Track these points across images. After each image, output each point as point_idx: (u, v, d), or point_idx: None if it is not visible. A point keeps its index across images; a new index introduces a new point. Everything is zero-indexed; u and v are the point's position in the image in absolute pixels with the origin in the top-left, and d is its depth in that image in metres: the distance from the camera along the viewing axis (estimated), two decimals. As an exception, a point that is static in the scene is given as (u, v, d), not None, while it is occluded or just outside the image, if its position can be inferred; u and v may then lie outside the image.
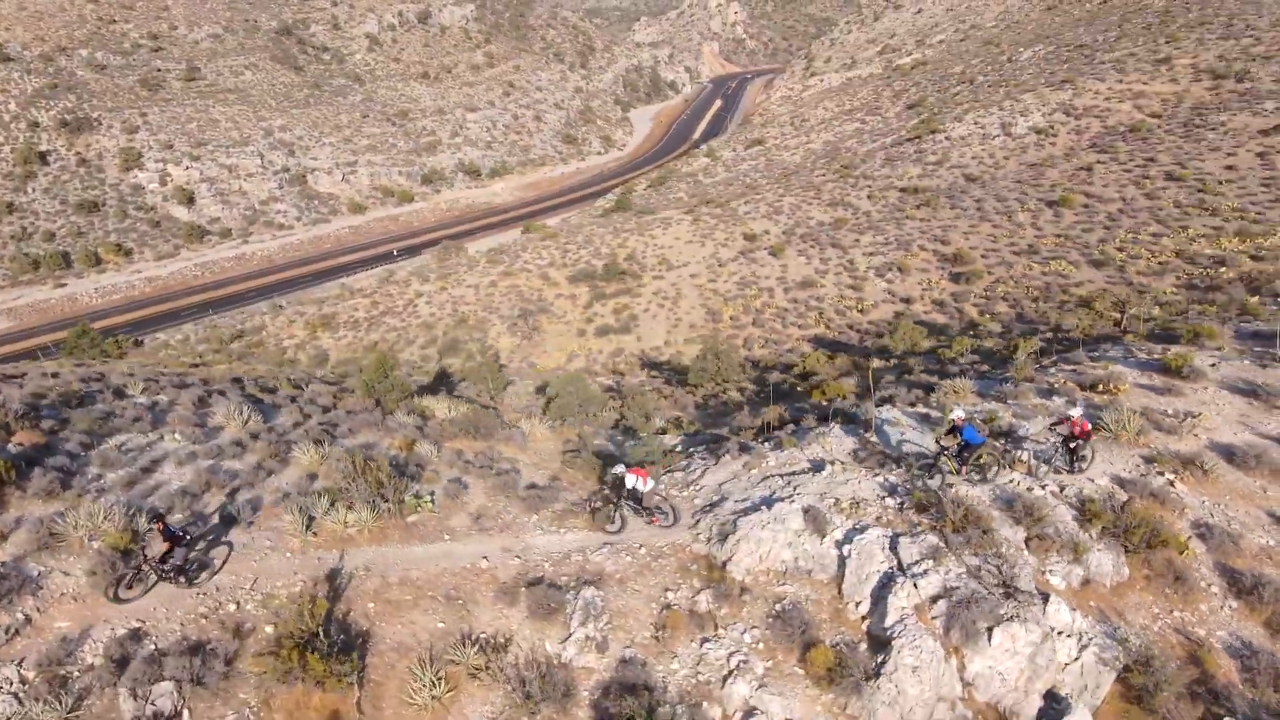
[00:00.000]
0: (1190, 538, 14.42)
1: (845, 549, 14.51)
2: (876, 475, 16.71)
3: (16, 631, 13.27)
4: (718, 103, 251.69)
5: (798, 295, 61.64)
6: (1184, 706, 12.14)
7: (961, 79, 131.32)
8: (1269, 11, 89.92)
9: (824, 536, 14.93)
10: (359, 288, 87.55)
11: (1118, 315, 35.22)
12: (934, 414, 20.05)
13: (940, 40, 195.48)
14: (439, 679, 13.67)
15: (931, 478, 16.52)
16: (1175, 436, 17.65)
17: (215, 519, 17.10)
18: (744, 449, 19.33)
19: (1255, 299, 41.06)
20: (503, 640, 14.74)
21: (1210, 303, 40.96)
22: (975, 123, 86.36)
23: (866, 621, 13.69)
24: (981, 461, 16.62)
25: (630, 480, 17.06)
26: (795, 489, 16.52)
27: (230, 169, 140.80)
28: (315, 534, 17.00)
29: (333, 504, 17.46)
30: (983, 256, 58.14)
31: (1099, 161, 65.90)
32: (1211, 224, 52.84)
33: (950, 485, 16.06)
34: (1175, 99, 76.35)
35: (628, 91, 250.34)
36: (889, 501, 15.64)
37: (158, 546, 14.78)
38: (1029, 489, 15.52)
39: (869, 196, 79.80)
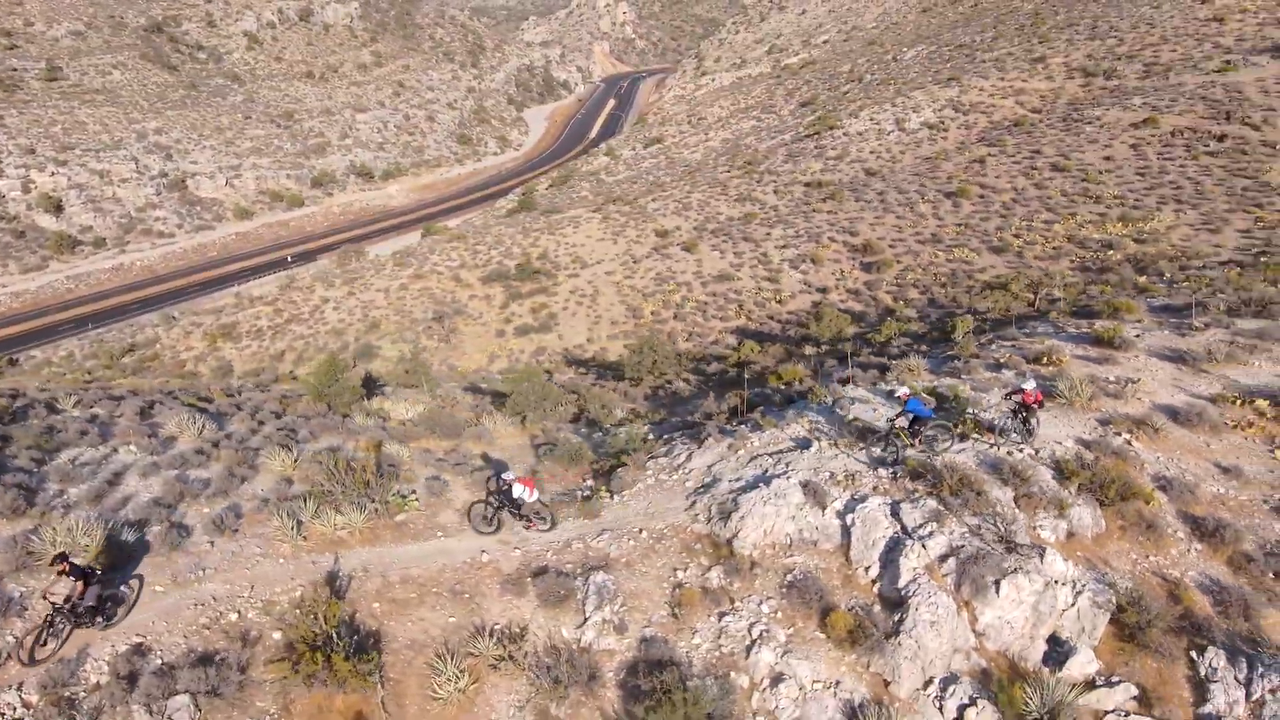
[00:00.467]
0: (1154, 489, 15.70)
1: (848, 518, 15.14)
2: (862, 448, 17.46)
3: (9, 656, 12.42)
4: (611, 102, 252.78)
5: (716, 289, 62.75)
6: (1170, 639, 13.26)
7: (850, 78, 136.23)
8: (1128, 14, 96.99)
9: (825, 508, 15.52)
10: (258, 295, 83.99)
11: (1031, 296, 37.47)
12: (898, 390, 21.02)
13: (825, 41, 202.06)
14: (461, 672, 13.56)
15: (885, 450, 17.28)
16: (1122, 400, 19.11)
17: (120, 549, 15.15)
18: (723, 432, 19.79)
19: (1144, 278, 44.50)
20: (518, 630, 14.71)
21: (1105, 283, 44.10)
22: (871, 119, 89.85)
23: (877, 585, 14.35)
24: (931, 434, 17.52)
25: (518, 490, 17.12)
26: (788, 466, 17.09)
27: (101, 174, 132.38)
28: (305, 538, 16.50)
29: (319, 507, 16.96)
30: (890, 246, 60.64)
31: (990, 154, 69.73)
32: (1096, 210, 56.78)
33: (901, 458, 16.85)
34: (1053, 95, 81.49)
35: (521, 91, 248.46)
36: (881, 472, 16.40)
37: (64, 589, 12.81)
38: (1009, 453, 16.57)
39: (775, 192, 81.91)
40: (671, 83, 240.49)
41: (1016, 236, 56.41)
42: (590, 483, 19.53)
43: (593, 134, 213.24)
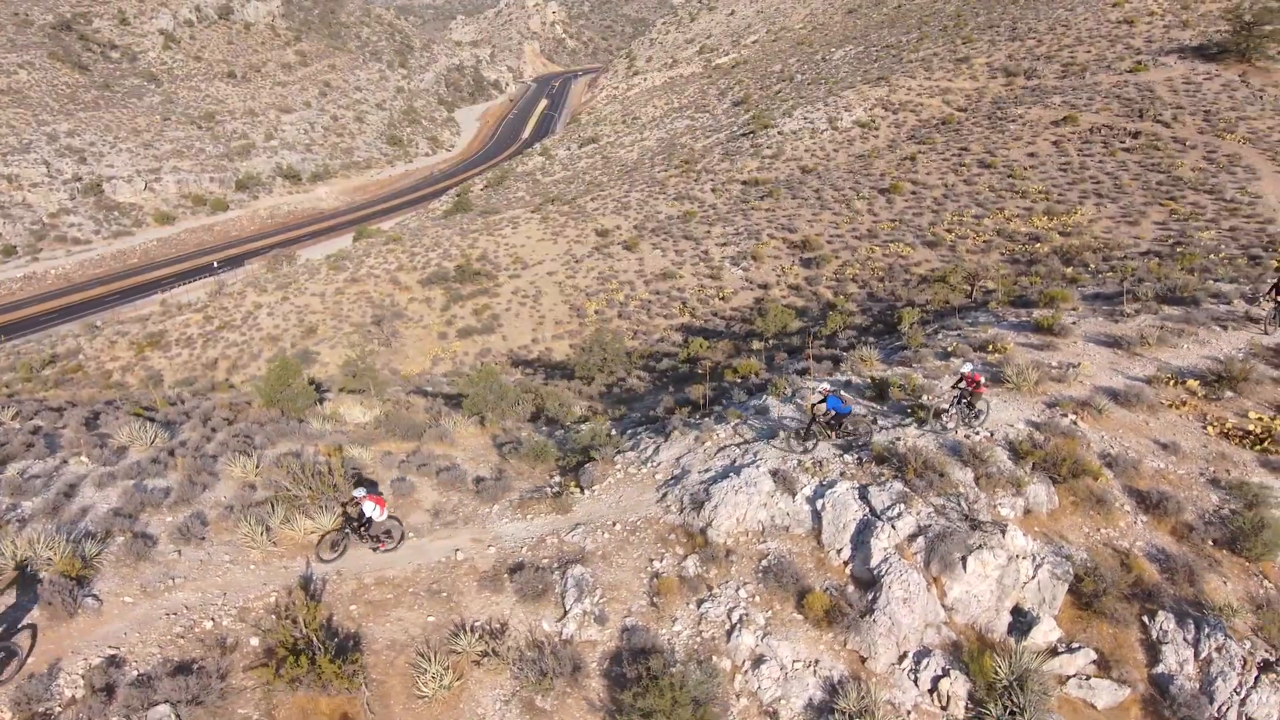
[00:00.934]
0: (1101, 466, 16.57)
1: (818, 503, 15.61)
2: (829, 437, 17.98)
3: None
4: (543, 102, 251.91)
5: (659, 287, 63.24)
6: (1124, 606, 14.05)
7: (782, 77, 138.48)
8: (1045, 16, 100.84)
9: (795, 494, 15.96)
10: (187, 302, 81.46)
11: (968, 288, 38.80)
12: (855, 380, 21.69)
13: (754, 41, 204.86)
14: (445, 669, 13.59)
15: (805, 441, 17.81)
16: (1065, 384, 20.06)
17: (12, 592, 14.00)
18: (689, 425, 20.12)
19: (1070, 269, 46.47)
20: (498, 626, 14.79)
21: (1034, 275, 45.93)
22: (804, 118, 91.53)
23: (849, 566, 14.84)
24: (852, 429, 18.10)
25: (369, 508, 16.23)
26: (756, 455, 17.50)
27: (9, 179, 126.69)
28: (275, 543, 16.26)
29: (288, 512, 16.73)
30: (828, 242, 61.97)
31: (920, 152, 71.77)
32: (1023, 205, 59.01)
33: (810, 449, 17.57)
34: (977, 94, 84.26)
35: (451, 91, 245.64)
36: (848, 458, 16.93)
37: None
38: (966, 436, 17.28)
39: (713, 190, 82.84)
40: (604, 82, 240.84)
41: (949, 231, 58.26)
42: (558, 479, 19.63)
43: (526, 134, 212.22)
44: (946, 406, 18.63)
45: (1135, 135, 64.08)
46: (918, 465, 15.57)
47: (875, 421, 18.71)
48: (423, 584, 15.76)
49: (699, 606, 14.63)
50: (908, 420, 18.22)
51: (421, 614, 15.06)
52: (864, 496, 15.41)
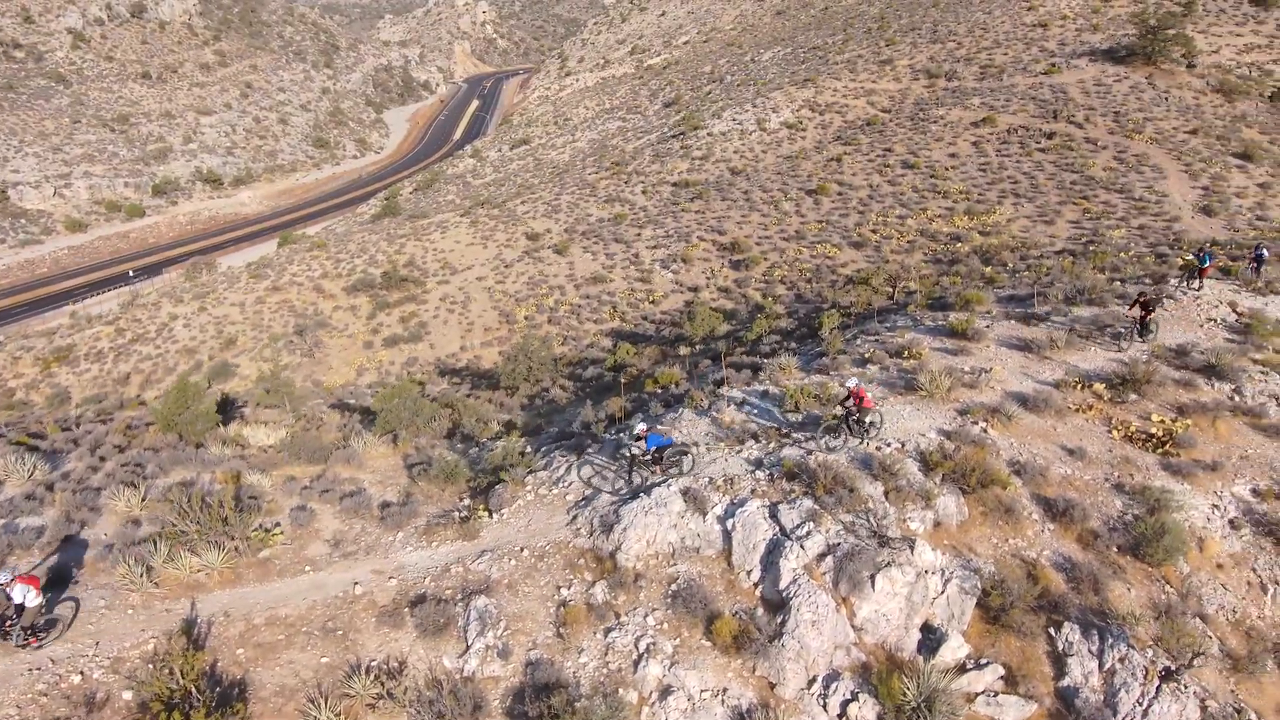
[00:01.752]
0: (1010, 475, 16.59)
1: (729, 523, 15.26)
2: (739, 452, 17.66)
3: None
4: (475, 103, 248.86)
5: (589, 291, 62.67)
6: (1031, 618, 14.02)
7: (712, 78, 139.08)
8: (964, 19, 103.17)
9: (705, 514, 15.59)
10: (97, 314, 77.93)
11: (890, 289, 39.15)
12: (772, 390, 21.45)
13: (685, 41, 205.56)
14: (336, 715, 12.83)
15: (630, 473, 17.62)
16: (977, 390, 20.14)
17: None
18: (602, 442, 19.60)
19: (989, 268, 47.35)
20: (396, 665, 14.07)
21: (955, 275, 46.67)
22: (733, 119, 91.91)
23: (759, 588, 14.52)
24: (674, 458, 17.67)
25: (18, 593, 13.10)
26: (668, 474, 17.07)
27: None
28: (157, 584, 15.24)
29: (171, 549, 15.71)
30: (757, 244, 62.20)
31: (846, 153, 72.60)
32: (944, 205, 60.09)
33: (643, 481, 17.28)
34: (900, 96, 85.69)
35: (379, 92, 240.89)
36: (759, 474, 16.61)
37: None
38: (878, 448, 17.13)
39: (644, 192, 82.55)
40: (536, 83, 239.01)
41: (874, 232, 58.98)
42: (467, 502, 18.93)
43: (457, 135, 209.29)
44: (834, 424, 18.16)
45: (1050, 136, 65.83)
46: (827, 481, 15.34)
47: (691, 451, 18.25)
48: (317, 622, 14.92)
49: (606, 636, 14.13)
50: (820, 433, 18.01)
51: (315, 655, 14.24)
52: (774, 515, 15.11)
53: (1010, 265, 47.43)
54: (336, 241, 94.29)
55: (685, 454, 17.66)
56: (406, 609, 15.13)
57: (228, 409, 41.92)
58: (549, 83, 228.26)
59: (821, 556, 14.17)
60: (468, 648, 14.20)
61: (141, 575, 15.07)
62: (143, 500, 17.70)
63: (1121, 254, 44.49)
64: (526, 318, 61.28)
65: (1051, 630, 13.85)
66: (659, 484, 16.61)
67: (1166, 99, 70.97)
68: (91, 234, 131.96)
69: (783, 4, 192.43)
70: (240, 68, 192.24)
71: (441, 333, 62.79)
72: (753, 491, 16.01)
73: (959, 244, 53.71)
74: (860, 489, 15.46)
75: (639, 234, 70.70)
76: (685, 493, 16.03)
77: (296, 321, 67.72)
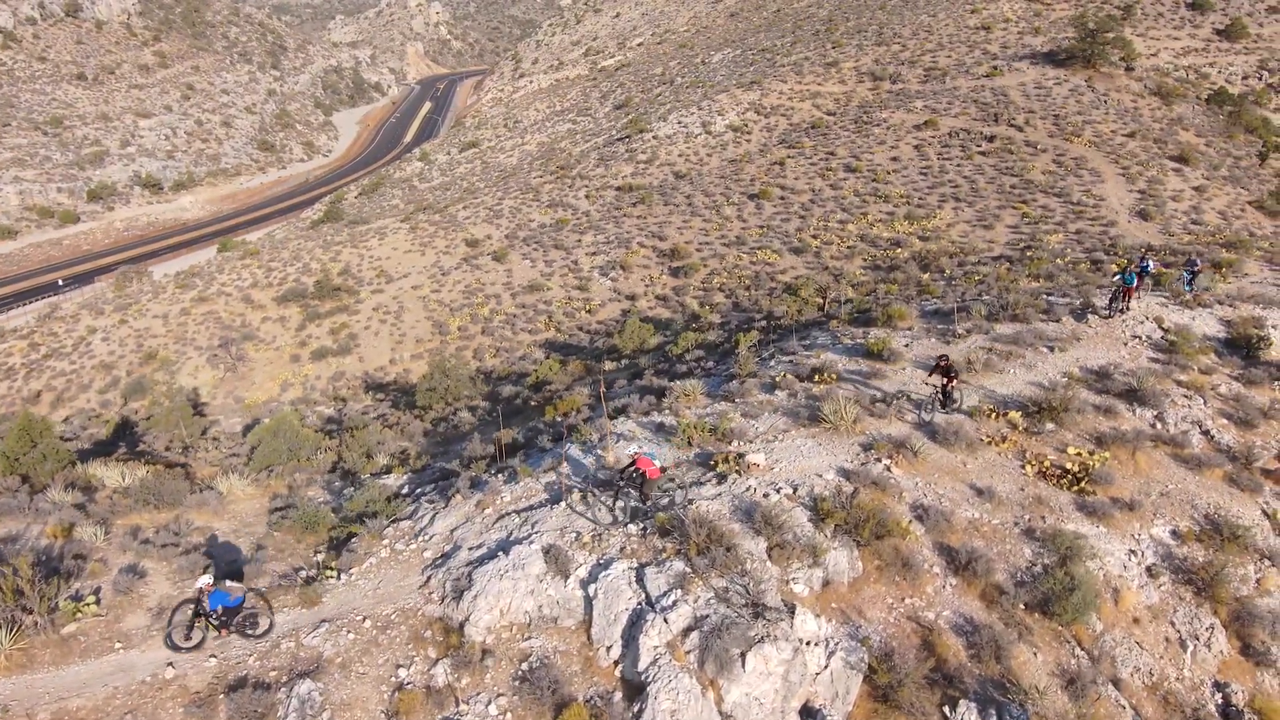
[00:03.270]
0: (910, 521, 15.04)
1: (591, 589, 13.48)
2: (618, 500, 15.87)
3: None
4: (427, 105, 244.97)
5: (525, 300, 60.72)
6: (923, 694, 12.44)
7: (662, 80, 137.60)
8: (909, 21, 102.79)
9: (568, 577, 13.79)
10: (11, 328, 74.10)
11: (820, 300, 37.77)
12: (669, 421, 19.70)
13: (639, 43, 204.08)
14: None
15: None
16: (885, 420, 18.61)
17: None
18: (475, 485, 17.69)
19: (927, 275, 46.24)
20: (198, 768, 12.10)
21: (893, 281, 45.46)
22: (679, 122, 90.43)
23: (619, 667, 12.74)
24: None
25: None
26: (534, 526, 15.22)
27: None
28: (-77, 675, 13.07)
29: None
30: (697, 250, 60.69)
31: (789, 156, 71.43)
32: (885, 209, 59.08)
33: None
34: (845, 98, 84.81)
35: (329, 94, 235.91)
36: (631, 529, 14.82)
37: None
38: (765, 495, 15.43)
39: (587, 196, 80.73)
40: (490, 85, 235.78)
41: (814, 237, 57.76)
42: (320, 557, 16.96)
43: (408, 138, 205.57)
44: (612, 493, 16.03)
45: (991, 139, 65.20)
46: (701, 540, 13.58)
47: (681, 483, 16.39)
48: (115, 714, 12.87)
49: (443, 727, 12.28)
50: (708, 475, 16.30)
51: (103, 758, 12.20)
52: (640, 579, 13.36)
53: (948, 272, 46.38)
54: (271, 248, 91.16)
55: (676, 485, 15.84)
56: (221, 695, 13.14)
57: (126, 433, 39.36)
58: (503, 84, 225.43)
59: (687, 631, 12.44)
60: (283, 744, 12.27)
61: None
62: (-66, 567, 15.46)
63: (1058, 260, 43.64)
64: (460, 328, 59.14)
65: (946, 709, 12.27)
66: (520, 540, 14.78)
67: (1105, 102, 70.82)
68: (22, 241, 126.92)
69: (737, 6, 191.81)
70: (182, 69, 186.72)
71: (372, 345, 60.40)
72: (621, 550, 14.22)
73: (899, 249, 52.65)
74: (739, 546, 13.73)
75: (579, 240, 68.87)
76: (547, 551, 14.21)
77: (221, 334, 64.83)
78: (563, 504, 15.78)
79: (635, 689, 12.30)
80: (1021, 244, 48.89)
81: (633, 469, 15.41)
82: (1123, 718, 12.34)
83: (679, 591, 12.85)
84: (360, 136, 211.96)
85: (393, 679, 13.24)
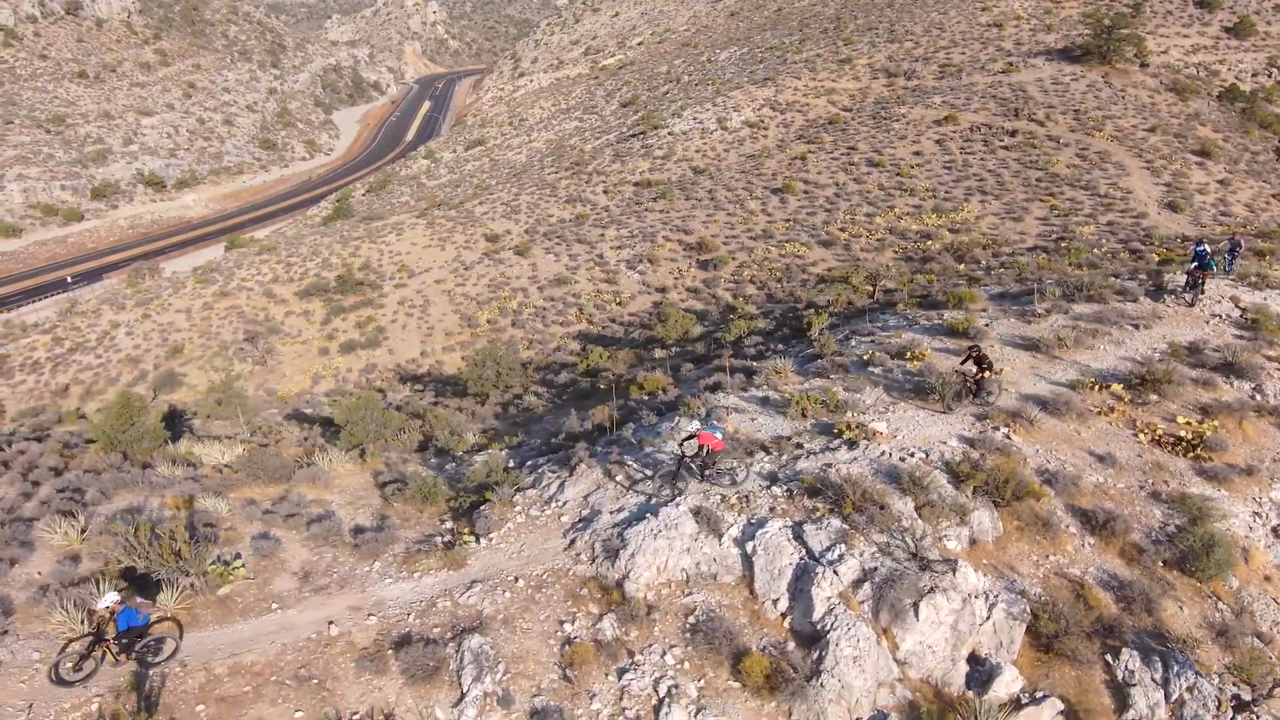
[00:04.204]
0: (1041, 485, 15.45)
1: (748, 546, 13.83)
2: (750, 465, 16.23)
3: None
4: (427, 104, 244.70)
5: (553, 293, 60.93)
6: (1085, 644, 12.84)
7: (668, 78, 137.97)
8: (920, 19, 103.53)
9: (721, 536, 14.14)
10: (33, 323, 73.91)
11: (869, 288, 38.19)
12: (772, 395, 20.08)
13: (639, 42, 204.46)
14: (316, 783, 11.14)
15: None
16: (990, 393, 19.01)
17: None
18: (595, 456, 18.01)
19: (963, 266, 46.78)
20: (382, 718, 12.38)
21: (929, 272, 45.97)
22: (694, 118, 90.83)
23: (788, 619, 13.10)
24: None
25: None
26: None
27: None
28: (101, 633, 13.29)
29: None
30: (724, 243, 61.05)
31: (810, 152, 71.88)
32: (911, 203, 59.58)
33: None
34: (860, 95, 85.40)
35: (328, 93, 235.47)
36: (776, 490, 15.19)
37: None
38: (902, 458, 15.82)
39: (605, 192, 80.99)
40: (489, 84, 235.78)
41: (842, 230, 58.22)
42: (449, 525, 17.25)
43: (409, 137, 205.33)
44: (674, 468, 16.27)
45: (1013, 134, 65.83)
46: (856, 498, 13.97)
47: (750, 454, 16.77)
48: (289, 669, 13.15)
49: (620, 677, 12.61)
50: (836, 442, 16.68)
51: (287, 709, 12.48)
52: (799, 537, 13.72)
53: (984, 262, 46.89)
54: (287, 244, 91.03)
55: (739, 461, 16.15)
56: (390, 651, 13.43)
57: (174, 422, 39.49)
58: (502, 83, 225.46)
59: (857, 583, 12.82)
60: (463, 695, 12.56)
61: (82, 622, 13.14)
62: (83, 533, 15.69)
63: (1094, 250, 44.23)
64: (489, 321, 59.32)
65: (1109, 657, 12.67)
66: (665, 503, 15.12)
67: (1123, 97, 71.57)
68: (26, 239, 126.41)
69: (736, 5, 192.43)
70: (183, 67, 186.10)
71: (400, 338, 60.53)
72: (771, 510, 14.58)
73: (929, 242, 53.14)
74: (891, 505, 14.13)
75: (602, 234, 69.10)
76: (697, 513, 14.56)
77: (246, 328, 64.87)
78: (644, 480, 16.14)
79: (807, 639, 12.67)
80: (1054, 235, 49.49)
81: (692, 441, 15.77)
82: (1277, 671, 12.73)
83: (842, 546, 13.22)
84: (361, 135, 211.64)
85: (559, 633, 13.56)
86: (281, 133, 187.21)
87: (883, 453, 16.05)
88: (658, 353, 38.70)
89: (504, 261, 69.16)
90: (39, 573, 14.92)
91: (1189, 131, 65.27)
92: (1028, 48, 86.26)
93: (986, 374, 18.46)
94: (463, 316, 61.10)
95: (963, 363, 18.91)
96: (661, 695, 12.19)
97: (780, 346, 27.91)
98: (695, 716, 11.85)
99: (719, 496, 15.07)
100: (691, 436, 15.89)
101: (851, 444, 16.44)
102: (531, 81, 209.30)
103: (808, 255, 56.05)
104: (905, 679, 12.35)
